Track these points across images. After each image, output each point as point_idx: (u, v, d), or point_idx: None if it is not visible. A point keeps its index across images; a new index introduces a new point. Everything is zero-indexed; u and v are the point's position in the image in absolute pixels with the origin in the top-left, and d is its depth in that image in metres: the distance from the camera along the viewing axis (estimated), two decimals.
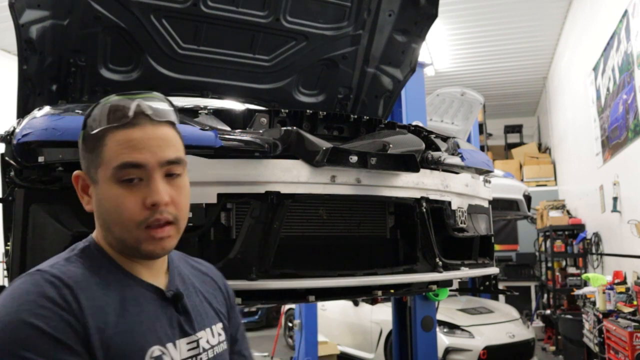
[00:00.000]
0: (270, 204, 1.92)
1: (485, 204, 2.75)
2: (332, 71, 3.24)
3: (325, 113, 2.30)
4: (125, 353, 0.95)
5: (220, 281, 1.26)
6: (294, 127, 2.01)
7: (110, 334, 0.95)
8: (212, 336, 1.13)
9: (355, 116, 2.37)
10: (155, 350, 0.98)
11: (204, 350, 1.09)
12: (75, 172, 1.06)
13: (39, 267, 0.99)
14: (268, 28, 2.93)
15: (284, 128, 2.01)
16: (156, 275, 1.09)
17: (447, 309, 5.91)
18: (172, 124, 1.06)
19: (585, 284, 6.19)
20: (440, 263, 2.27)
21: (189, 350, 1.05)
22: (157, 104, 1.05)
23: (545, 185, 10.19)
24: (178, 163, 1.04)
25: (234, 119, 2.15)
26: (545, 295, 8.49)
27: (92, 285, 0.98)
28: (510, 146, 12.08)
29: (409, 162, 2.13)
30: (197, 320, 1.10)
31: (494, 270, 2.67)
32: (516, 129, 12.61)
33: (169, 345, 1.02)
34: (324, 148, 1.94)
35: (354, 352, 6.57)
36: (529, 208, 7.05)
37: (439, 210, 2.36)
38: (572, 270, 7.39)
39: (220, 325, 1.17)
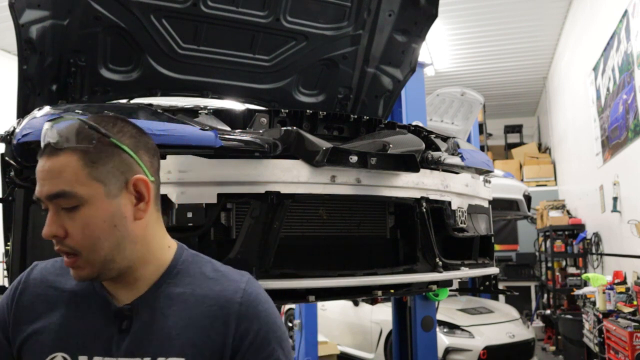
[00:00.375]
0: (270, 204, 1.91)
1: (485, 204, 2.75)
2: (332, 71, 3.24)
3: (325, 113, 2.29)
4: (33, 349, 1.02)
5: (225, 313, 1.03)
6: (294, 127, 2.00)
7: (28, 329, 1.03)
8: None
9: (355, 116, 2.37)
10: (58, 357, 1.00)
11: None
12: None
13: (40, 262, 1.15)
14: (268, 28, 2.93)
15: (284, 128, 2.00)
16: (125, 288, 1.05)
17: (447, 309, 5.91)
18: (77, 150, 0.97)
19: (585, 284, 6.19)
20: (440, 263, 2.27)
21: None
22: (61, 129, 0.98)
23: (545, 185, 10.19)
24: (64, 197, 0.96)
25: (234, 119, 2.15)
26: (545, 295, 8.49)
27: (44, 284, 1.08)
28: (510, 146, 12.09)
29: (409, 162, 2.13)
30: (142, 344, 1.00)
31: (494, 270, 2.66)
32: (516, 129, 12.61)
33: (82, 358, 1.00)
34: (324, 148, 1.94)
35: (354, 352, 6.56)
36: (529, 208, 7.05)
37: (439, 210, 2.35)
38: (572, 270, 7.39)
39: None
